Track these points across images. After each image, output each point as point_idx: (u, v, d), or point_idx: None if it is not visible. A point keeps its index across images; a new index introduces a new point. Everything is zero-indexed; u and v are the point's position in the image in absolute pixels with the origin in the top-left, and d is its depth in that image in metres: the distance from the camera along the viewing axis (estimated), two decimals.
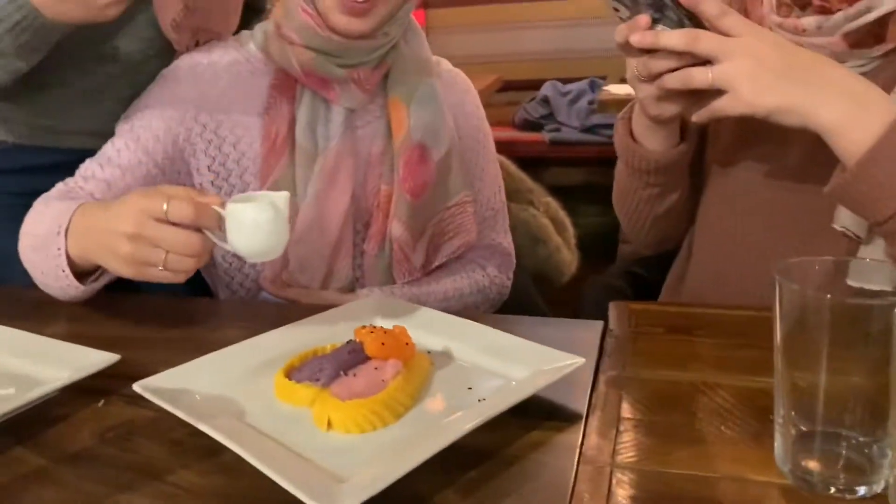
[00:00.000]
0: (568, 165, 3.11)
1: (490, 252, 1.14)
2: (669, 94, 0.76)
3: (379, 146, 1.04)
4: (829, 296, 0.51)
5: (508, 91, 3.45)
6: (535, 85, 3.48)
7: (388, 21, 0.98)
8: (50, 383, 0.71)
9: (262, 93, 1.01)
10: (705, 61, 0.70)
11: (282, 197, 0.80)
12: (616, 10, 0.75)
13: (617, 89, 2.71)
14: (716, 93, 0.71)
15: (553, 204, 1.46)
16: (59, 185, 0.99)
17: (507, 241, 1.17)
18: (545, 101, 3.39)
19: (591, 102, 3.31)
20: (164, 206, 0.77)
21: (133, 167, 0.98)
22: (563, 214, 1.46)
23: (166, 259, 0.78)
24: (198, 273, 1.04)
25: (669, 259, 1.08)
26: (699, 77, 0.70)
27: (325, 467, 0.59)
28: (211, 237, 0.79)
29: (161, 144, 0.99)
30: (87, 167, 0.99)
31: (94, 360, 0.75)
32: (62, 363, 0.75)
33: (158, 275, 0.79)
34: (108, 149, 1.00)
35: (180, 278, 0.80)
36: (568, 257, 1.37)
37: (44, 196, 0.98)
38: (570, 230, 1.45)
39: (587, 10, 3.53)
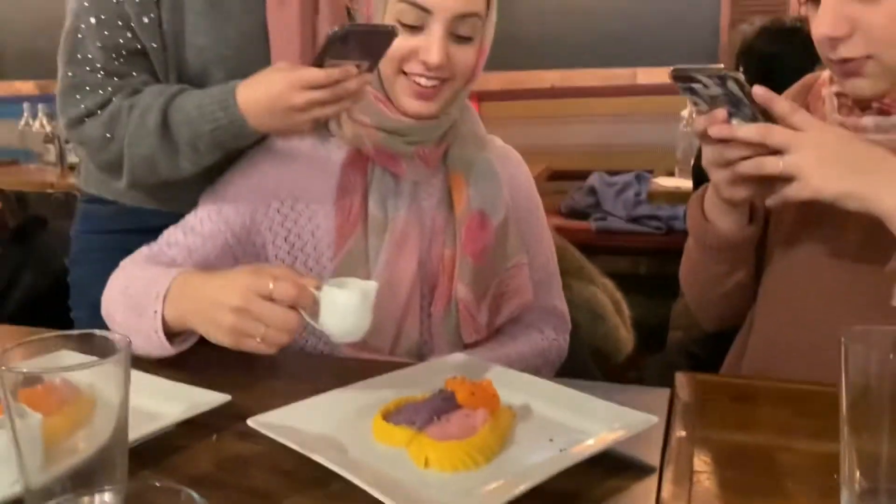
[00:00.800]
0: (614, 254, 3.17)
1: (547, 314, 1.21)
2: (742, 179, 0.84)
3: (442, 215, 1.13)
4: (892, 356, 0.57)
5: (556, 180, 3.56)
6: (583, 175, 3.59)
7: (450, 103, 1.09)
8: (169, 417, 0.79)
9: (336, 171, 1.10)
10: (776, 151, 0.79)
11: (372, 286, 0.87)
12: (695, 104, 0.84)
13: (665, 182, 2.81)
14: (783, 179, 0.80)
15: (610, 285, 1.53)
16: (144, 249, 1.08)
17: (561, 304, 1.24)
18: (592, 190, 3.50)
19: (637, 194, 3.41)
20: (271, 286, 0.84)
21: (213, 236, 1.07)
22: (619, 295, 1.52)
23: (265, 333, 0.85)
24: None
25: (725, 340, 1.14)
26: (771, 165, 0.79)
27: (427, 498, 0.65)
28: (304, 315, 0.86)
29: (240, 217, 1.08)
30: (172, 234, 1.09)
31: (208, 399, 0.83)
32: (177, 401, 0.83)
33: (255, 346, 0.86)
34: (191, 218, 1.09)
35: (273, 351, 0.87)
36: (625, 336, 1.43)
37: (129, 259, 1.06)
38: (627, 311, 1.52)
39: (633, 107, 3.68)
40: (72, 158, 3.26)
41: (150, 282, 0.96)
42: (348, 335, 0.87)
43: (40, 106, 3.37)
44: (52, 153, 3.28)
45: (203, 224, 1.07)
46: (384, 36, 0.96)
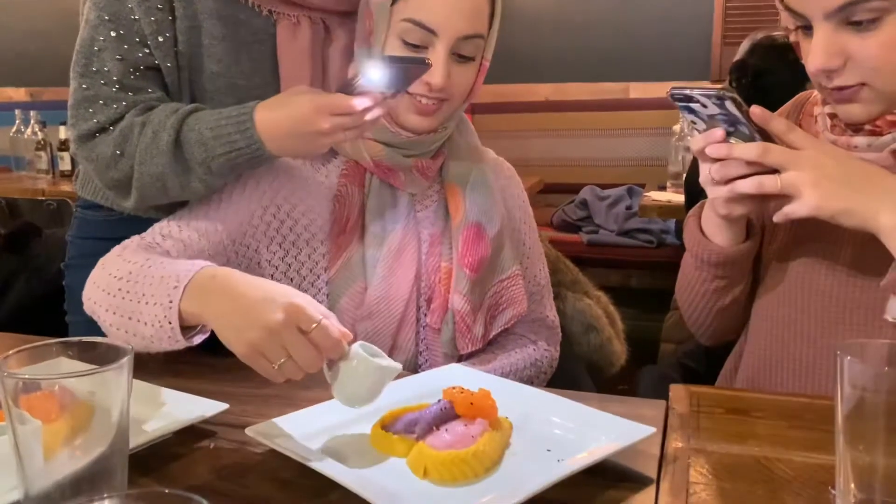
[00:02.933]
0: (605, 267, 3.19)
1: (538, 325, 1.22)
2: (739, 197, 0.85)
3: (439, 227, 1.14)
4: (886, 369, 0.58)
5: (548, 193, 3.58)
6: (574, 189, 3.62)
7: (448, 118, 1.11)
8: (166, 425, 0.79)
9: (333, 182, 1.11)
10: (773, 169, 0.80)
11: (396, 367, 0.82)
12: (693, 122, 0.85)
13: (657, 196, 2.83)
14: (780, 197, 0.81)
15: (604, 298, 1.53)
16: (136, 239, 1.04)
17: (553, 315, 1.25)
18: (583, 203, 3.52)
19: (629, 208, 3.43)
20: (314, 325, 0.78)
21: (209, 233, 1.05)
22: (613, 308, 1.53)
23: (284, 363, 0.79)
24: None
25: (718, 354, 1.15)
26: (769, 184, 0.80)
27: None
28: (324, 365, 0.81)
29: (237, 218, 1.07)
30: (166, 226, 1.06)
31: (205, 407, 0.83)
32: (174, 409, 0.83)
33: (267, 369, 0.81)
34: (186, 213, 1.08)
35: (280, 381, 0.82)
36: (618, 348, 1.43)
37: (121, 246, 1.03)
38: (620, 324, 1.52)
39: (626, 121, 3.71)
40: (63, 166, 3.26)
41: (165, 270, 0.91)
42: (353, 402, 0.81)
43: (32, 113, 3.37)
44: (43, 160, 3.27)
45: (199, 220, 1.06)
46: (417, 69, 0.97)
